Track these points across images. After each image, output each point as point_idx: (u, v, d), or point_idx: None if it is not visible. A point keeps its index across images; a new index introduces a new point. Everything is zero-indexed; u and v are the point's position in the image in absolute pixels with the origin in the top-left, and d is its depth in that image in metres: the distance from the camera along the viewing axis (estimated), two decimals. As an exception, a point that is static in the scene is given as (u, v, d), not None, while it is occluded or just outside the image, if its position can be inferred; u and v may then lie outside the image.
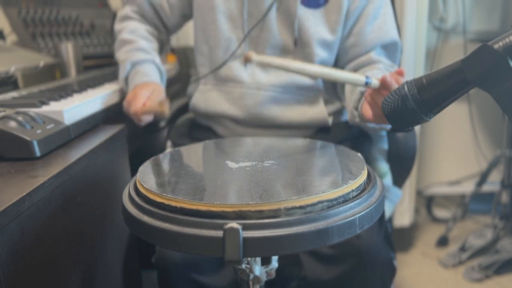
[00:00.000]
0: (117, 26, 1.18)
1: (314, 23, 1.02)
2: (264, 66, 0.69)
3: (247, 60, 0.65)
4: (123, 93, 1.10)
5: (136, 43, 1.11)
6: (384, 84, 0.78)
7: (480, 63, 0.53)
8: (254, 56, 0.65)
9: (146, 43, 1.12)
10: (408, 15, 1.70)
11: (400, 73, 0.79)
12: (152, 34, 1.18)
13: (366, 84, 0.77)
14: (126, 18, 1.17)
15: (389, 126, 0.86)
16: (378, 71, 0.98)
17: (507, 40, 0.52)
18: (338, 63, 1.10)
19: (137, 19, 1.17)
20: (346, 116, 1.15)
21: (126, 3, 1.18)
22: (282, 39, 1.04)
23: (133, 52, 1.09)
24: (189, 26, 1.19)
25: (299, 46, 1.03)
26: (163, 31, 1.19)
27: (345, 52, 1.06)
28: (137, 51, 1.09)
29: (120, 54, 1.12)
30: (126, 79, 1.08)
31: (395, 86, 0.76)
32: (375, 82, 0.78)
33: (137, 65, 1.07)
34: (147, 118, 0.96)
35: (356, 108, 0.94)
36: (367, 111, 0.85)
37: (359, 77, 0.77)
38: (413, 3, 1.70)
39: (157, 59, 1.12)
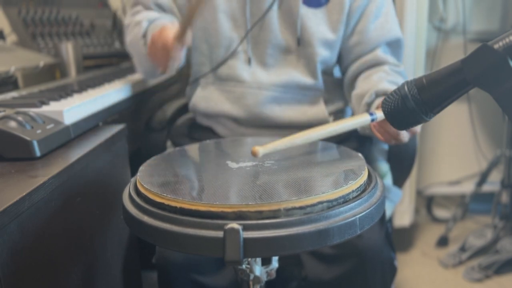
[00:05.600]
0: (127, 20, 1.13)
1: (316, 23, 1.02)
2: (273, 149, 0.70)
3: (255, 156, 0.66)
4: (122, 92, 1.09)
5: (151, 16, 1.05)
6: None
7: (480, 63, 0.53)
8: (261, 150, 0.66)
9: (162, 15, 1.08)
10: (408, 15, 1.70)
11: None
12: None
13: (373, 120, 0.78)
14: (137, 12, 1.12)
15: (405, 139, 0.86)
16: (384, 74, 0.98)
17: (507, 40, 0.52)
18: (342, 63, 1.10)
19: (148, 11, 1.12)
20: (347, 116, 1.15)
21: (135, 6, 1.14)
22: (284, 39, 1.04)
23: (149, 17, 1.03)
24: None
25: (301, 46, 1.03)
26: None
27: (349, 51, 1.06)
28: (152, 16, 1.04)
29: (135, 30, 1.05)
30: (145, 37, 1.02)
31: None
32: (380, 115, 0.78)
33: (154, 21, 1.02)
34: (179, 52, 0.88)
35: None
36: (378, 136, 0.85)
37: (364, 118, 0.77)
38: (413, 3, 1.70)
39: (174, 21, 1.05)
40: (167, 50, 0.88)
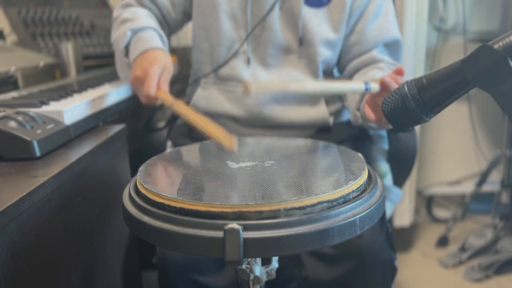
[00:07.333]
0: (116, 12, 1.10)
1: (318, 23, 1.02)
2: (265, 90, 0.70)
3: (246, 92, 0.67)
4: (122, 92, 1.09)
5: (138, 19, 1.03)
6: (383, 85, 0.78)
7: (480, 63, 0.53)
8: (253, 86, 0.66)
9: (149, 19, 1.06)
10: (408, 15, 1.70)
11: (398, 72, 0.80)
12: (156, 18, 1.11)
13: (366, 90, 0.78)
14: (128, 5, 1.10)
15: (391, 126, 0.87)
16: (380, 71, 0.98)
17: (507, 40, 0.52)
18: (340, 61, 1.10)
19: (139, 6, 1.11)
20: (347, 116, 1.15)
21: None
22: (285, 39, 1.04)
23: (134, 24, 1.01)
24: (189, 26, 1.18)
25: (302, 46, 1.03)
26: (166, 29, 1.17)
27: (348, 50, 1.06)
28: (138, 23, 1.01)
29: (120, 30, 1.02)
30: (127, 48, 1.00)
31: (394, 86, 0.77)
32: (374, 86, 0.79)
33: (139, 32, 0.99)
34: (159, 102, 0.88)
35: (358, 109, 0.95)
36: (370, 114, 0.85)
37: (358, 85, 0.78)
38: (413, 3, 1.70)
39: (159, 29, 1.04)
40: (149, 101, 0.88)
